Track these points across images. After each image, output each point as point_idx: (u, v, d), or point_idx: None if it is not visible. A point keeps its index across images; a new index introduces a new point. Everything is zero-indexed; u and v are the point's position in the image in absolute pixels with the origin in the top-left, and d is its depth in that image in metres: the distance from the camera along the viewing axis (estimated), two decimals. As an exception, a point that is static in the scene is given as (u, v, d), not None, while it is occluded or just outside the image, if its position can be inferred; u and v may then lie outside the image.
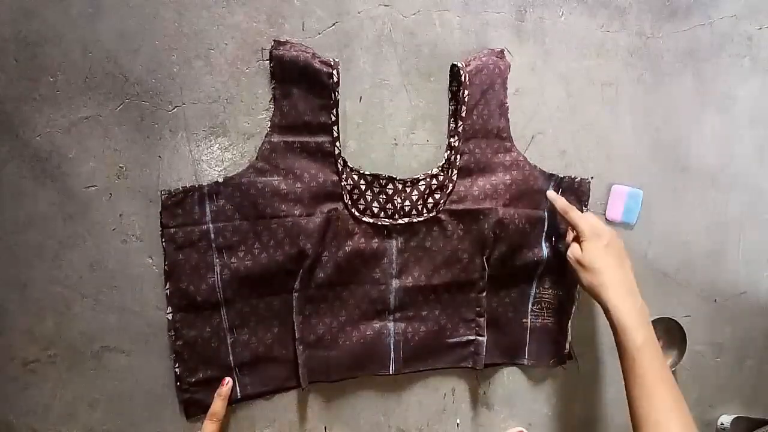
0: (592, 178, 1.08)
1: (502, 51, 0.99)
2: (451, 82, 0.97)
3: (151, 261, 0.86)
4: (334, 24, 0.90)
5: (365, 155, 0.94)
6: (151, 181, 0.84)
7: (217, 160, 0.87)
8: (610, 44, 1.07)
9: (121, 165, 0.83)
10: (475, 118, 0.95)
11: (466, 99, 0.93)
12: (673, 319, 1.15)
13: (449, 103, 0.98)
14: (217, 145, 0.87)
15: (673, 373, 1.19)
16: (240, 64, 0.86)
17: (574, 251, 0.94)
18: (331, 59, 0.86)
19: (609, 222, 1.12)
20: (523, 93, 1.02)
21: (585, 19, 1.04)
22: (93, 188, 0.83)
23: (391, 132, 0.96)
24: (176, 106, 0.85)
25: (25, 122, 0.79)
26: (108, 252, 0.84)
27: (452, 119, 0.98)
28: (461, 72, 0.93)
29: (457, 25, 0.97)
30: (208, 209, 0.86)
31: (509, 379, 1.10)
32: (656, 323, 1.15)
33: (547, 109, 1.04)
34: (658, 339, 1.16)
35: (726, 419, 1.26)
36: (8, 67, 0.77)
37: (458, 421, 1.08)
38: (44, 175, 0.80)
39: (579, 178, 1.06)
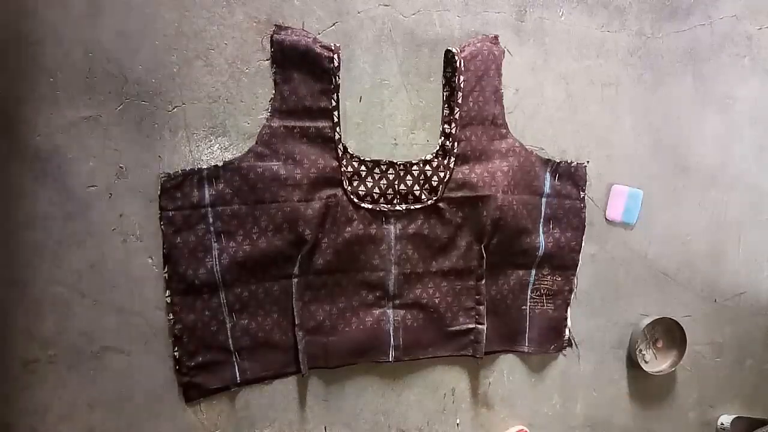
0: (588, 161, 1.08)
1: (496, 37, 0.99)
2: (445, 68, 0.97)
3: (151, 261, 0.86)
4: (334, 24, 0.90)
5: (365, 155, 0.94)
6: (151, 181, 0.84)
7: (217, 160, 0.87)
8: (610, 44, 1.07)
9: (121, 165, 0.83)
10: (471, 104, 0.95)
11: (462, 85, 0.93)
12: (673, 319, 1.15)
13: (443, 89, 0.98)
14: (217, 145, 0.87)
15: (673, 373, 1.19)
16: (240, 64, 0.86)
17: None
18: (332, 44, 0.86)
19: (609, 222, 1.12)
20: (523, 93, 1.02)
21: (585, 19, 1.04)
22: (93, 188, 0.82)
23: (391, 132, 0.96)
24: (176, 106, 0.84)
25: (25, 122, 0.78)
26: (108, 252, 0.84)
27: (446, 105, 0.98)
28: (456, 58, 0.93)
29: (457, 25, 0.97)
30: (206, 193, 0.86)
31: (509, 380, 1.10)
32: (656, 323, 1.16)
33: (547, 109, 1.04)
34: (659, 339, 1.19)
35: (726, 419, 1.26)
36: (8, 67, 0.77)
37: (458, 421, 1.08)
38: (44, 175, 0.80)
39: (575, 163, 1.06)
